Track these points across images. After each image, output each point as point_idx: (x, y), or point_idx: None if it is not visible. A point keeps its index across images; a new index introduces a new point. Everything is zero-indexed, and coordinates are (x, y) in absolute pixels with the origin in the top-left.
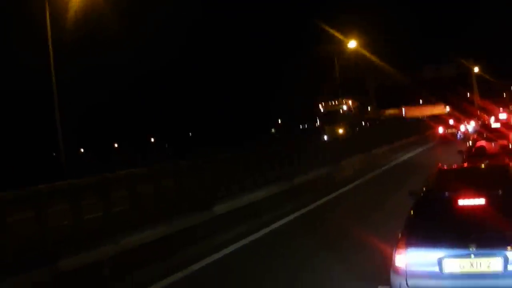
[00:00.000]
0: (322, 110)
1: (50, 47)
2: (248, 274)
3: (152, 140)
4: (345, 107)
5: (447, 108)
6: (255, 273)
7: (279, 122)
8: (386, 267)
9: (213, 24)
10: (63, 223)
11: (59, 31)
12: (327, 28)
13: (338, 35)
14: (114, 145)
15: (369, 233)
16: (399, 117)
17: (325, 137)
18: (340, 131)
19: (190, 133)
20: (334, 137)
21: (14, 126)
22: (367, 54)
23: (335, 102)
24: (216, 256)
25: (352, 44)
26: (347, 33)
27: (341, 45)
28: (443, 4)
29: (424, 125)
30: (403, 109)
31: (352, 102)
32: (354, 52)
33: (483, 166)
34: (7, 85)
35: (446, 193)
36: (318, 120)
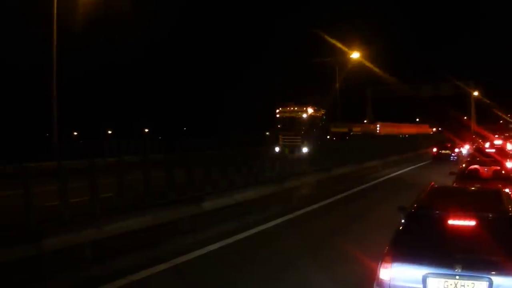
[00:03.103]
0: (278, 116)
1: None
2: (231, 271)
3: (146, 130)
4: (304, 115)
5: (433, 129)
6: (237, 271)
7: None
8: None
9: (213, 23)
10: (49, 203)
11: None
12: (326, 37)
13: (339, 44)
14: (107, 132)
15: (351, 242)
16: (371, 134)
17: (277, 149)
18: (297, 142)
19: (184, 128)
20: (287, 149)
21: (9, 105)
22: (368, 64)
23: (294, 108)
24: (200, 251)
25: (355, 55)
26: (346, 44)
27: (341, 55)
28: (446, 20)
29: (406, 144)
30: (378, 125)
31: (315, 111)
32: (354, 62)
33: (475, 188)
34: (6, 64)
35: (437, 212)
36: (274, 127)
